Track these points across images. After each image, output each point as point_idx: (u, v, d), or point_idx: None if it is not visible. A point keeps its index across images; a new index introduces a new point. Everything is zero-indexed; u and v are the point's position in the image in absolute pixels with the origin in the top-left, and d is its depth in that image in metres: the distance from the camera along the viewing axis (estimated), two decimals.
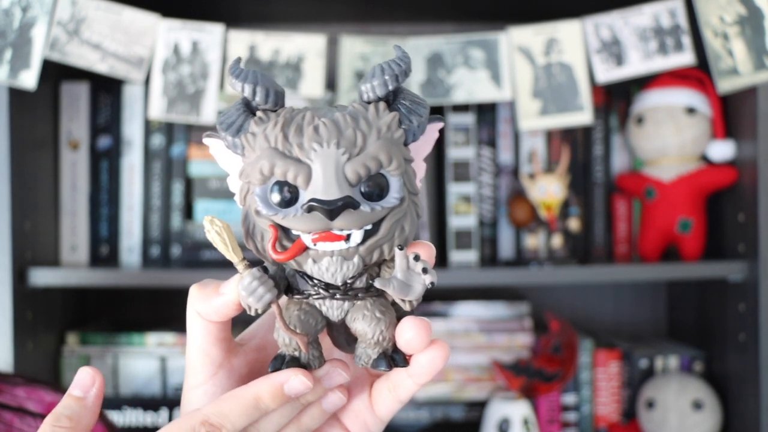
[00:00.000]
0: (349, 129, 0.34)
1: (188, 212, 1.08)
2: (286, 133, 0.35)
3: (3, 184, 0.91)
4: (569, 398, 1.10)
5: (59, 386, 0.67)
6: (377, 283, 0.36)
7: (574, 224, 1.07)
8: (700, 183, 1.05)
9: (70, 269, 1.00)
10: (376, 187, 0.35)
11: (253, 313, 0.36)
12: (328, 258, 0.35)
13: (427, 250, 0.37)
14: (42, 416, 0.61)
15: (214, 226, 0.36)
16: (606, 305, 1.26)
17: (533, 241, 1.08)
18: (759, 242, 0.95)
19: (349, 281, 0.36)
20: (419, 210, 0.37)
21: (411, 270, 0.35)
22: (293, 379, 0.36)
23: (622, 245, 1.15)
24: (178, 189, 1.08)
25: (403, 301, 0.36)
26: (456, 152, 1.07)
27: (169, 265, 1.06)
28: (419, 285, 0.35)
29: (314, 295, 0.36)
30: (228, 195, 1.06)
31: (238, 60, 0.37)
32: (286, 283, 0.37)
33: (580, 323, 1.23)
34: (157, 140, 1.08)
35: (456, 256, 1.06)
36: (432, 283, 0.36)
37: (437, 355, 0.36)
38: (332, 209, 0.33)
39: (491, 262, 1.13)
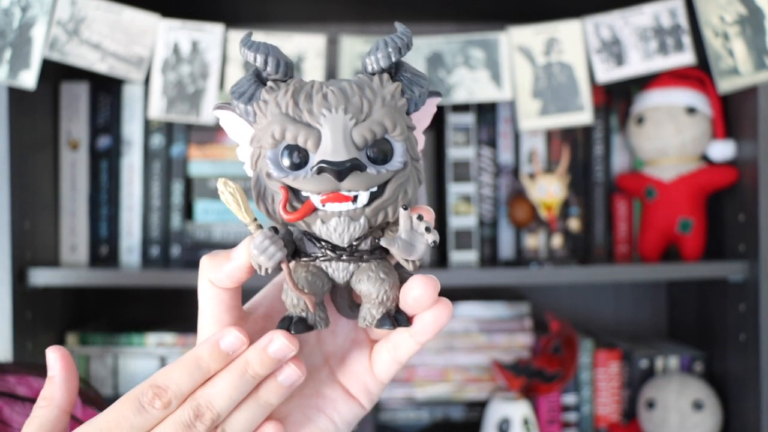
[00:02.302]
0: (355, 96, 0.36)
1: (188, 212, 1.08)
2: (297, 100, 0.36)
3: (3, 184, 0.91)
4: (569, 398, 1.10)
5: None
6: (383, 242, 0.37)
7: (574, 224, 1.07)
8: (700, 183, 1.05)
9: (70, 269, 1.00)
10: (381, 152, 0.37)
11: (263, 273, 0.37)
12: (336, 218, 0.37)
13: (428, 214, 0.38)
14: (31, 400, 0.61)
15: (227, 187, 0.38)
16: (606, 305, 1.26)
17: (533, 241, 1.08)
18: (759, 242, 0.95)
19: (354, 243, 0.38)
20: (421, 175, 0.39)
21: (414, 230, 0.37)
22: (227, 335, 0.38)
23: (622, 245, 1.15)
24: (177, 189, 1.08)
25: (407, 261, 0.38)
26: (456, 152, 1.07)
27: (168, 265, 1.06)
28: (422, 245, 0.37)
29: (321, 257, 0.38)
30: None
31: (250, 33, 0.39)
32: (294, 247, 0.38)
33: (580, 323, 1.23)
34: (157, 140, 1.08)
35: (456, 256, 1.06)
36: (435, 242, 0.37)
37: (441, 312, 0.38)
38: (341, 170, 0.35)
39: (491, 262, 1.13)
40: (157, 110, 0.97)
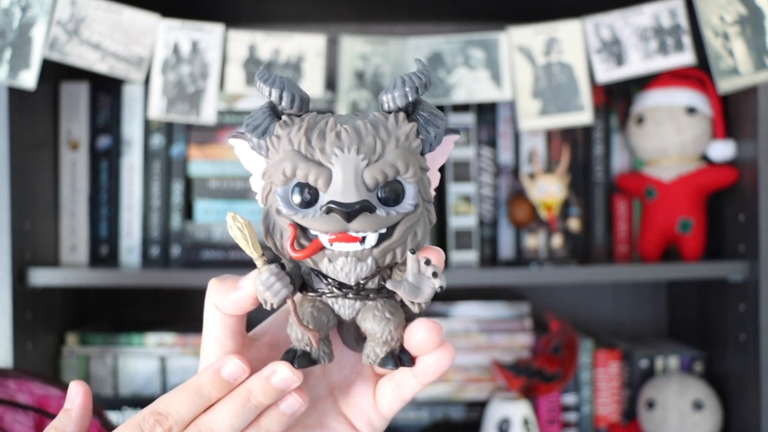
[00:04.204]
0: (369, 136, 0.36)
1: (188, 212, 1.08)
2: (309, 137, 0.36)
3: (3, 184, 0.91)
4: (569, 398, 1.10)
5: (49, 379, 0.67)
6: (389, 285, 0.37)
7: (574, 224, 1.07)
8: (700, 183, 1.05)
9: (70, 269, 1.00)
10: (392, 193, 0.36)
11: (269, 308, 0.37)
12: (343, 258, 0.37)
13: (437, 256, 0.38)
14: (32, 409, 0.61)
15: (236, 222, 0.37)
16: (606, 305, 1.26)
17: (533, 241, 1.08)
18: (759, 242, 0.95)
19: (361, 282, 0.37)
20: (432, 217, 0.38)
21: (422, 274, 0.37)
22: (229, 363, 0.38)
23: (622, 245, 1.15)
24: (177, 189, 1.08)
25: (413, 303, 0.37)
26: (456, 152, 1.07)
27: (168, 265, 1.06)
28: (429, 288, 0.37)
29: (328, 293, 0.38)
30: (227, 195, 1.06)
31: (267, 66, 0.39)
32: (301, 281, 0.38)
33: (580, 323, 1.23)
34: (157, 140, 1.08)
35: (456, 256, 1.06)
36: (441, 287, 0.37)
37: (444, 357, 0.38)
38: (350, 211, 0.35)
39: (491, 262, 1.13)
40: (157, 110, 0.97)
